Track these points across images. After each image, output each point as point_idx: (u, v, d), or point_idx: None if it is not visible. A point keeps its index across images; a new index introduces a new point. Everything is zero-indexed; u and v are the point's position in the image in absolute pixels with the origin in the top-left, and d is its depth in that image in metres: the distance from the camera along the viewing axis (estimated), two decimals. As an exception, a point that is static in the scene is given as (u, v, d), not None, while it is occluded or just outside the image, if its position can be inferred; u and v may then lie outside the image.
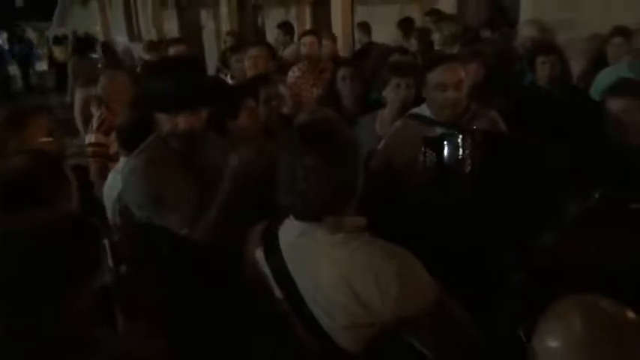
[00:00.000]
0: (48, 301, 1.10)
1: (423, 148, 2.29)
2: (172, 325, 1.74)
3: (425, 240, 2.07)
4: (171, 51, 4.81)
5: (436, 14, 5.29)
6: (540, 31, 4.06)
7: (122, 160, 2.48)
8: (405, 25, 5.01)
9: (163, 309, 1.78)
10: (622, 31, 3.74)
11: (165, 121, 1.98)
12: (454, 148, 2.24)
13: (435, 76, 2.37)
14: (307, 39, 4.21)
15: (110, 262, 1.62)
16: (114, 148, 3.03)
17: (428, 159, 2.29)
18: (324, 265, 1.33)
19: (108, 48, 8.29)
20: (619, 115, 2.28)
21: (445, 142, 2.26)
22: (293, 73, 4.04)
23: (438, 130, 2.38)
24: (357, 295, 1.28)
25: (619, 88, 2.36)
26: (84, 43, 8.42)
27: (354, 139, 1.42)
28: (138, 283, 1.78)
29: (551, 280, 1.38)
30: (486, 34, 4.17)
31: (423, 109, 2.51)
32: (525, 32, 4.12)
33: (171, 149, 2.01)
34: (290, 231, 1.44)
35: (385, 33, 5.63)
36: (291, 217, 1.43)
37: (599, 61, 3.90)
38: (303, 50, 4.21)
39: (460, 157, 2.21)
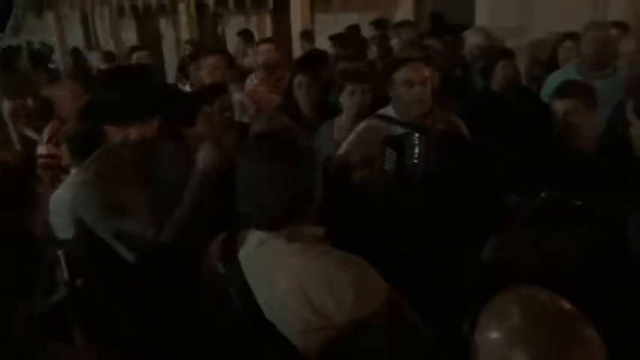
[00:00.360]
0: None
1: (383, 148, 2.33)
2: (130, 337, 1.71)
3: (383, 241, 2.12)
4: (134, 57, 4.74)
5: (380, 23, 5.42)
6: (487, 38, 4.13)
7: (73, 171, 2.42)
8: (350, 33, 5.06)
9: (120, 321, 1.75)
10: (572, 36, 3.86)
11: (115, 133, 1.95)
12: (411, 147, 2.28)
13: (401, 74, 2.40)
14: (264, 47, 4.21)
15: (65, 276, 1.58)
16: (66, 159, 2.95)
17: (388, 158, 2.33)
18: (281, 274, 1.34)
19: (35, 57, 8.01)
20: (563, 117, 2.33)
21: (403, 142, 2.30)
22: (251, 81, 4.03)
23: (400, 130, 2.41)
24: (311, 303, 1.29)
25: (563, 90, 2.41)
26: (6, 54, 8.14)
27: (311, 147, 1.44)
28: (94, 296, 1.74)
29: (501, 279, 1.40)
30: (430, 41, 4.22)
31: (388, 110, 2.53)
32: (472, 40, 4.18)
33: (122, 160, 1.98)
34: (249, 241, 1.44)
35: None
36: (251, 227, 1.43)
37: (550, 65, 4.02)
38: (261, 58, 4.20)
39: (416, 156, 2.25)
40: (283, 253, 1.35)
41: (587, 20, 3.66)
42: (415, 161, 2.29)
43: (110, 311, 1.74)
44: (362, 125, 2.57)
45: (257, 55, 4.28)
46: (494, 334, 0.93)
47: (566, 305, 0.93)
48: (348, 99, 2.80)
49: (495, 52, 3.64)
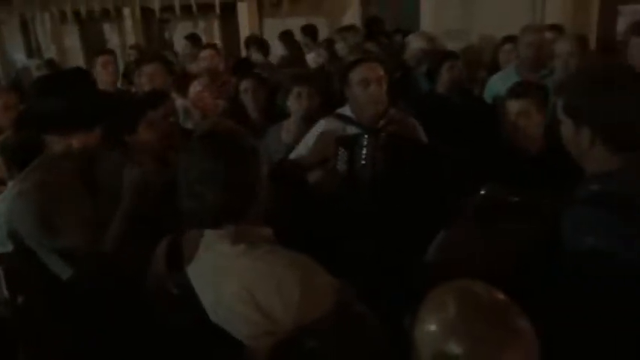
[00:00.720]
0: None
1: (336, 147, 2.37)
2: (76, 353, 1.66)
3: (334, 242, 2.11)
4: (99, 62, 4.56)
5: (309, 29, 5.62)
6: (430, 41, 4.22)
7: (9, 184, 2.32)
8: (284, 39, 5.10)
9: (63, 338, 1.69)
10: (511, 39, 3.99)
11: (56, 142, 1.90)
12: (359, 148, 2.33)
13: (357, 74, 2.40)
14: (207, 52, 4.16)
15: (5, 293, 1.52)
16: (2, 171, 2.83)
17: (340, 158, 2.38)
18: (226, 276, 1.32)
19: None
20: (516, 117, 2.38)
21: (353, 142, 2.35)
22: (194, 88, 3.98)
23: (355, 130, 2.44)
24: (258, 305, 1.27)
25: (517, 90, 2.46)
26: None
27: (254, 146, 1.42)
28: (37, 313, 1.68)
29: (445, 277, 1.43)
30: (369, 45, 4.31)
31: (346, 110, 2.54)
32: (415, 44, 4.27)
33: (63, 170, 1.93)
34: (194, 243, 1.42)
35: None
36: (196, 229, 1.41)
37: (492, 67, 4.15)
38: (203, 64, 4.15)
39: (364, 157, 2.30)
40: (228, 255, 1.33)
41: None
42: (363, 162, 2.33)
43: (54, 327, 1.68)
44: (319, 124, 2.58)
45: (200, 61, 4.22)
46: (430, 327, 0.94)
47: (501, 297, 0.95)
48: (295, 102, 2.81)
49: (440, 55, 3.68)
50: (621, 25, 5.45)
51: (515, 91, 2.45)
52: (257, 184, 1.36)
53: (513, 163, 2.32)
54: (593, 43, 4.83)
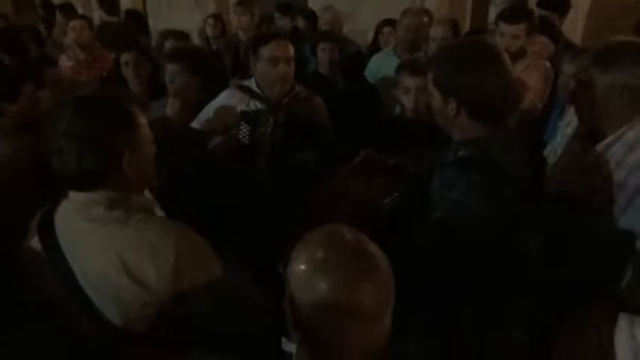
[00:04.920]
0: None
1: (240, 120, 2.41)
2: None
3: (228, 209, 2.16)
4: None
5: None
6: (330, 14, 4.28)
7: None
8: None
9: None
10: (390, 22, 4.17)
11: None
12: (261, 124, 2.40)
13: (267, 51, 2.43)
14: (75, 23, 3.90)
15: None
16: None
17: (242, 131, 2.42)
18: (97, 244, 1.28)
19: None
20: (416, 92, 2.48)
21: (255, 118, 2.41)
22: (63, 62, 3.71)
23: (258, 105, 2.49)
24: (130, 273, 1.25)
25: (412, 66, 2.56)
26: None
27: (130, 110, 1.36)
28: None
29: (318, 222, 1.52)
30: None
31: (251, 83, 2.57)
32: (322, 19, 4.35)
33: None
34: (66, 212, 1.36)
35: (184, 19, 5.54)
36: (67, 198, 1.36)
37: (373, 48, 4.31)
38: (72, 35, 3.87)
39: (264, 132, 2.39)
40: (99, 222, 1.30)
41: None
42: (264, 137, 2.41)
43: None
44: (223, 94, 2.60)
45: (69, 32, 3.91)
46: (300, 267, 0.99)
47: (362, 236, 1.03)
48: (168, 80, 2.75)
49: (317, 37, 3.70)
50: (492, 13, 5.85)
51: (411, 68, 2.55)
52: (123, 146, 1.31)
53: (404, 131, 2.45)
54: (467, 29, 5.18)
